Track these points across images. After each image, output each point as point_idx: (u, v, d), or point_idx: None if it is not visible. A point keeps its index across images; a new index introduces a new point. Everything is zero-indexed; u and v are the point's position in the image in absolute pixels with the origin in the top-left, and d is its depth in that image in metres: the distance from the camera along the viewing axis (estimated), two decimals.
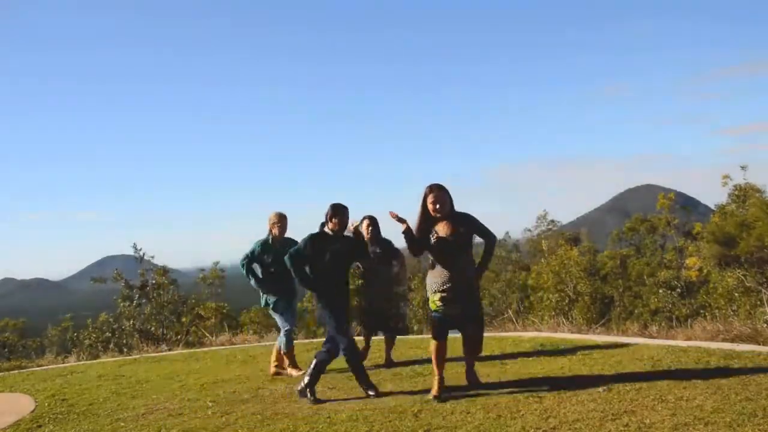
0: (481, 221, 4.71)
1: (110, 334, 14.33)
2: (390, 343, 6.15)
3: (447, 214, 4.52)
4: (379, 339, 6.55)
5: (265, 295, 6.11)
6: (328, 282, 4.97)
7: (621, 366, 5.14)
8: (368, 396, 4.80)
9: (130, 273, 15.50)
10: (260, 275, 6.04)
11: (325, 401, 4.78)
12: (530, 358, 5.84)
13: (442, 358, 4.61)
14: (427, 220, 4.54)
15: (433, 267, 4.59)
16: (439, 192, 4.51)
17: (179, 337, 13.29)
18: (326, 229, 5.05)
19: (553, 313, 20.98)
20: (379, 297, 5.99)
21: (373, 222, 5.98)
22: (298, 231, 6.29)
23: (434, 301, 4.53)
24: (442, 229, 4.50)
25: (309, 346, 7.61)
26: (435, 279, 4.54)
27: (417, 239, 4.55)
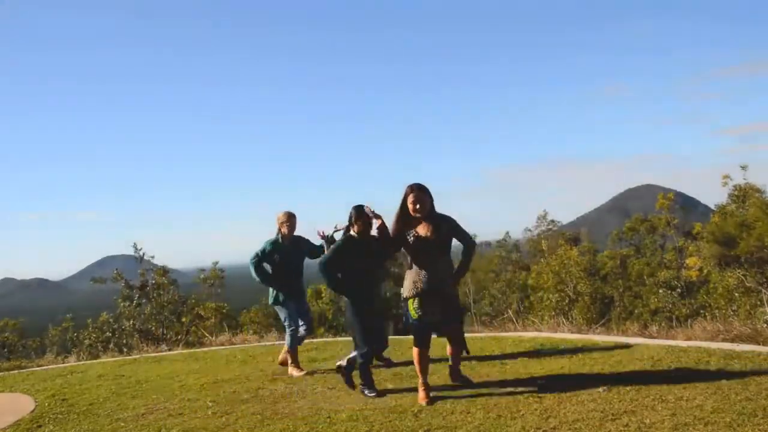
0: (460, 225, 4.63)
1: (110, 334, 14.35)
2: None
3: (427, 214, 4.46)
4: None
5: (274, 292, 6.12)
6: (357, 286, 4.96)
7: (621, 366, 5.14)
8: (365, 395, 4.80)
9: (130, 273, 15.51)
10: (270, 274, 6.06)
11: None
12: (530, 358, 5.83)
13: (425, 366, 4.54)
14: (405, 219, 4.47)
15: (410, 267, 4.51)
16: (419, 192, 4.44)
17: (179, 337, 13.29)
18: (352, 233, 5.05)
19: (553, 313, 20.98)
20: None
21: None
22: (299, 231, 6.32)
23: (413, 307, 4.44)
24: (421, 229, 4.44)
25: (309, 346, 7.60)
26: (412, 280, 4.46)
27: (391, 238, 4.51)
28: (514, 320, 10.50)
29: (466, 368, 5.58)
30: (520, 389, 4.59)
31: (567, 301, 26.29)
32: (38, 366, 9.17)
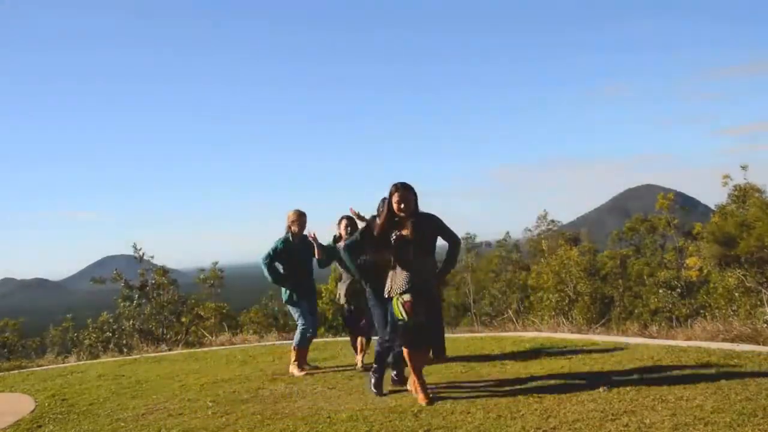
0: (446, 224, 4.60)
1: (110, 334, 14.35)
2: (365, 345, 6.09)
3: (411, 213, 4.43)
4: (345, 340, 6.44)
5: (287, 291, 6.14)
6: (378, 274, 4.98)
7: (621, 366, 5.14)
8: (369, 388, 4.87)
9: (130, 273, 15.52)
10: (282, 273, 6.08)
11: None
12: (530, 358, 5.84)
13: (419, 366, 4.49)
14: (391, 219, 4.44)
15: (393, 268, 4.48)
16: (404, 191, 4.41)
17: (179, 337, 13.30)
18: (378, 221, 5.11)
19: (553, 313, 20.98)
20: (357, 298, 5.89)
21: (350, 222, 5.96)
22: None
23: (398, 308, 4.39)
24: (404, 229, 4.41)
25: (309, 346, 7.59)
26: (395, 280, 4.44)
27: (377, 238, 4.47)
28: (514, 320, 10.50)
29: (467, 368, 5.58)
30: (520, 389, 4.59)
31: (567, 301, 26.29)
32: (38, 366, 9.17)
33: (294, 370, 6.02)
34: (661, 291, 27.57)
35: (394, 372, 5.08)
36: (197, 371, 6.77)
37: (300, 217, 6.09)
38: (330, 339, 9.89)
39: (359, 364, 5.97)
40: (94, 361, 9.36)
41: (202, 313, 18.24)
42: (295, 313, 6.17)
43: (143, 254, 15.02)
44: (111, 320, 15.39)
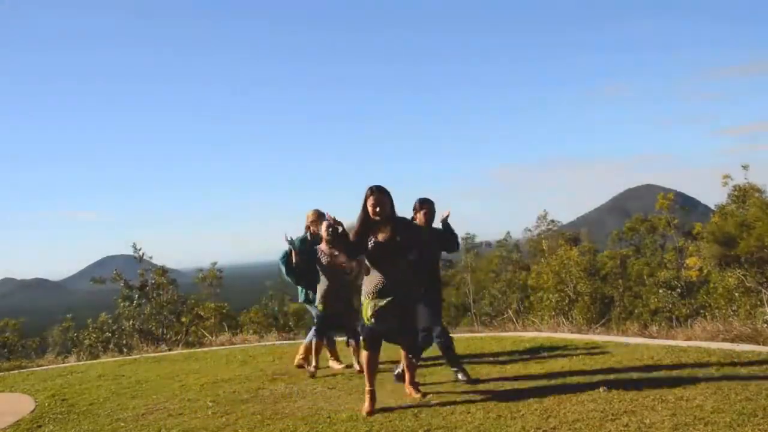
0: (419, 229, 4.58)
1: (110, 334, 14.35)
2: (356, 348, 5.99)
3: (387, 217, 4.36)
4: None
5: (304, 290, 6.15)
6: (420, 274, 4.99)
7: (621, 366, 5.14)
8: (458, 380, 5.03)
9: (129, 273, 15.51)
10: (300, 272, 6.08)
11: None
12: (530, 358, 5.84)
13: (373, 371, 4.42)
14: (366, 223, 4.38)
15: (368, 273, 4.43)
16: (379, 194, 4.34)
17: (179, 337, 13.30)
18: (415, 224, 5.14)
19: (553, 313, 20.97)
20: (338, 299, 5.82)
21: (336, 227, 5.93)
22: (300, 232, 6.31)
23: (366, 312, 4.35)
24: (379, 233, 4.34)
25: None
26: (369, 285, 4.38)
27: (352, 242, 4.39)
28: (514, 320, 10.51)
29: (467, 368, 5.58)
30: (520, 389, 4.59)
31: (567, 301, 26.29)
32: (38, 366, 9.17)
33: (334, 364, 6.09)
34: (661, 291, 27.57)
35: (398, 371, 5.13)
36: (197, 371, 6.77)
37: (319, 217, 6.09)
38: None
39: (336, 366, 5.95)
40: (94, 361, 9.36)
41: (202, 313, 18.24)
42: (313, 311, 6.17)
43: (143, 254, 15.02)
44: (111, 320, 15.40)
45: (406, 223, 4.48)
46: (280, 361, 6.94)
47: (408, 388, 4.69)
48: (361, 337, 4.64)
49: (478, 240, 45.29)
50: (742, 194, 22.91)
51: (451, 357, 5.18)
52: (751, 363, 4.84)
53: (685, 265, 30.29)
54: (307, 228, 6.16)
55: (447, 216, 5.15)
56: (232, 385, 5.76)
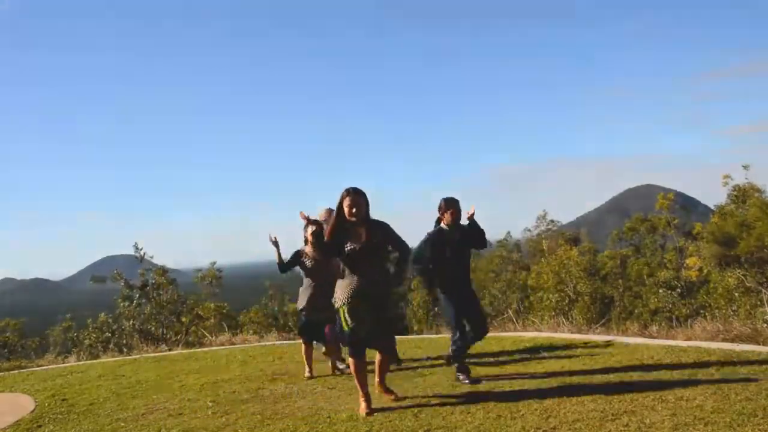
0: (395, 231, 4.55)
1: (110, 334, 14.36)
2: (332, 352, 5.97)
3: (362, 218, 4.34)
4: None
5: None
6: (450, 277, 5.06)
7: (621, 366, 5.14)
8: (459, 380, 5.01)
9: (129, 273, 15.53)
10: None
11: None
12: (530, 358, 5.84)
13: (363, 375, 4.39)
14: (341, 224, 4.35)
15: (343, 275, 4.41)
16: (355, 195, 4.33)
17: (179, 337, 13.31)
18: (442, 225, 5.16)
19: (553, 313, 20.98)
20: (324, 303, 5.62)
21: (319, 229, 5.86)
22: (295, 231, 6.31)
23: (344, 317, 4.33)
24: (354, 235, 4.32)
25: None
26: (344, 288, 4.36)
27: (327, 243, 4.38)
28: (514, 320, 10.51)
29: (471, 370, 5.58)
30: (520, 389, 4.59)
31: (567, 301, 26.30)
32: (38, 366, 9.17)
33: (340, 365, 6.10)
34: (661, 291, 27.57)
35: (457, 368, 5.14)
36: (197, 371, 6.78)
37: (330, 214, 6.08)
38: None
39: (308, 373, 5.86)
40: (94, 361, 9.36)
41: (202, 313, 18.25)
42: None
43: (144, 254, 15.03)
44: (111, 320, 15.40)
45: (380, 225, 4.45)
46: (280, 361, 6.95)
47: (378, 390, 4.62)
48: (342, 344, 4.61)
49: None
50: (742, 194, 22.91)
51: (461, 361, 5.15)
52: (751, 363, 4.84)
53: (685, 265, 30.30)
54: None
55: (473, 213, 5.17)
56: (232, 385, 5.76)
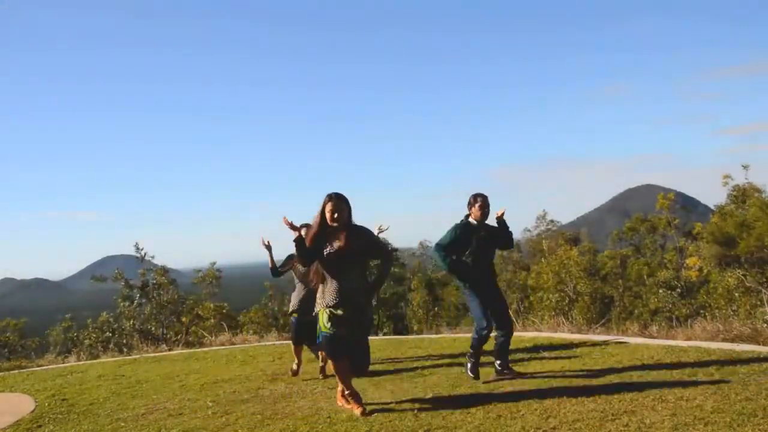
0: (378, 237, 4.50)
1: (110, 334, 14.37)
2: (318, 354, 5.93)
3: (344, 224, 4.32)
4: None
5: None
6: (475, 269, 5.08)
7: (621, 366, 5.14)
8: (466, 372, 5.07)
9: (129, 273, 15.54)
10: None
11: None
12: (530, 358, 5.84)
13: (347, 376, 4.37)
14: (323, 229, 4.34)
15: (323, 281, 4.38)
16: (337, 201, 4.31)
17: (179, 337, 13.32)
18: (470, 219, 5.18)
19: (553, 313, 20.97)
20: (307, 310, 5.66)
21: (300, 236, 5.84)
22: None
23: (323, 320, 4.30)
24: (336, 240, 4.29)
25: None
26: (325, 293, 4.33)
27: (308, 249, 4.34)
28: (514, 320, 10.51)
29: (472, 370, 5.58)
30: (520, 389, 4.59)
31: (567, 301, 26.28)
32: (38, 366, 9.17)
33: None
34: (661, 291, 27.55)
35: (498, 362, 5.14)
36: (197, 371, 6.78)
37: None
38: None
39: (295, 366, 5.93)
40: (94, 361, 9.37)
41: (202, 313, 18.25)
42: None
43: (145, 254, 15.04)
44: (111, 320, 15.41)
45: (363, 231, 4.43)
46: (280, 361, 6.95)
47: (340, 401, 4.55)
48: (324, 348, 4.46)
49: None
50: (742, 194, 22.90)
51: (477, 351, 5.16)
52: (751, 363, 4.84)
53: (685, 265, 30.29)
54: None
55: (503, 213, 5.21)
56: (232, 385, 5.76)
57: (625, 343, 6.27)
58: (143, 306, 14.83)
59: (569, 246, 31.86)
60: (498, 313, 5.14)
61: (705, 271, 26.69)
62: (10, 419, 5.15)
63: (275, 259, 5.97)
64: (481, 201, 5.15)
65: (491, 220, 5.25)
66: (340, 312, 4.24)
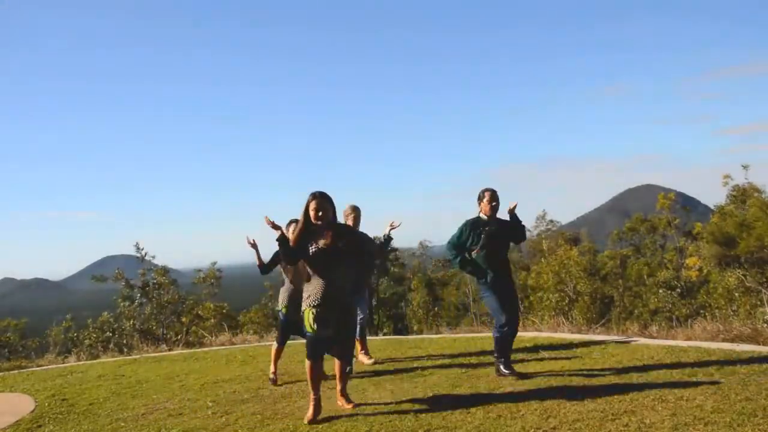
0: (361, 234, 4.52)
1: (110, 334, 14.38)
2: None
3: (328, 223, 4.33)
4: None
5: None
6: (488, 265, 5.08)
7: (621, 366, 5.14)
8: (500, 374, 5.02)
9: (130, 273, 15.54)
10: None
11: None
12: (530, 359, 5.84)
13: (317, 379, 4.36)
14: (307, 228, 4.34)
15: (308, 279, 4.38)
16: (321, 199, 4.31)
17: (179, 337, 13.32)
18: (480, 215, 5.19)
19: (553, 313, 20.97)
20: (295, 308, 5.53)
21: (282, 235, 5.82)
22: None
23: (308, 320, 4.29)
24: (321, 239, 4.31)
25: None
26: (310, 292, 4.33)
27: (292, 247, 4.35)
28: None
29: (467, 368, 5.58)
30: (520, 389, 4.59)
31: (567, 301, 26.28)
32: (38, 366, 9.17)
33: (364, 359, 6.17)
34: (661, 291, 27.55)
35: (500, 359, 5.14)
36: (197, 371, 6.78)
37: (355, 211, 6.12)
38: None
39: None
40: (94, 361, 9.36)
41: (202, 313, 18.26)
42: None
43: (145, 254, 15.05)
44: (111, 320, 15.41)
45: (347, 229, 4.46)
46: (279, 362, 6.94)
47: (340, 400, 4.55)
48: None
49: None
50: (742, 194, 22.90)
51: (503, 353, 5.17)
52: (751, 363, 4.84)
53: (685, 265, 30.29)
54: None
55: (514, 207, 5.19)
56: (232, 385, 5.76)
57: (625, 343, 6.27)
58: (143, 306, 14.84)
59: (569, 246, 31.86)
60: (508, 308, 5.16)
61: (705, 271, 26.69)
62: (10, 419, 5.15)
63: (262, 257, 5.94)
64: (488, 195, 5.16)
65: (503, 214, 5.23)
66: (324, 311, 4.24)
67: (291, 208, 6.09)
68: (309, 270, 4.37)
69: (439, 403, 4.39)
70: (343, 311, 4.34)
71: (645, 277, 30.82)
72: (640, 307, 27.95)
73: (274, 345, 5.98)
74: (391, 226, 5.79)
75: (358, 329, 6.07)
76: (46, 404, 5.64)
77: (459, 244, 5.19)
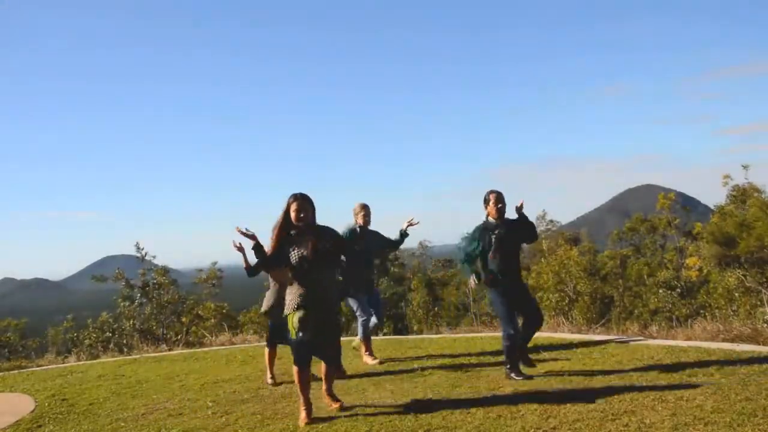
0: (342, 236, 4.50)
1: (110, 334, 14.37)
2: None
3: (309, 225, 4.32)
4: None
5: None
6: (501, 269, 5.02)
7: (621, 366, 5.14)
8: (510, 378, 4.96)
9: (129, 273, 15.53)
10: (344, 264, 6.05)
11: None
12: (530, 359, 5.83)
13: (306, 384, 4.32)
14: (287, 229, 4.31)
15: (291, 283, 4.36)
16: (302, 201, 4.30)
17: (179, 337, 13.31)
18: (488, 218, 5.12)
19: (553, 313, 20.97)
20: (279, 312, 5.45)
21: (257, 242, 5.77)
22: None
23: (293, 324, 4.26)
24: (302, 242, 4.28)
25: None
26: (293, 296, 4.31)
27: (269, 256, 4.33)
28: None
29: (467, 368, 5.58)
30: (520, 389, 4.59)
31: (567, 301, 26.27)
32: (38, 366, 9.17)
33: (368, 360, 6.14)
34: (661, 291, 27.53)
35: (507, 366, 5.10)
36: (197, 371, 6.78)
37: (365, 209, 6.12)
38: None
39: (270, 379, 5.77)
40: (94, 361, 9.36)
41: (202, 313, 18.25)
42: (353, 305, 6.11)
43: (145, 254, 15.04)
44: (111, 320, 15.41)
45: (328, 231, 4.43)
46: (280, 361, 6.92)
47: (326, 399, 4.54)
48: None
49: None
50: (742, 194, 22.89)
51: (513, 360, 5.11)
52: (751, 363, 4.84)
53: (685, 265, 30.28)
54: (355, 221, 6.15)
55: (521, 205, 5.10)
56: (232, 385, 5.76)
57: (625, 343, 6.27)
58: (143, 306, 14.83)
59: (569, 246, 31.86)
60: (527, 311, 5.16)
61: (705, 271, 26.68)
62: (10, 419, 5.15)
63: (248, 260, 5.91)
64: (494, 198, 5.07)
65: (511, 214, 5.14)
66: (308, 315, 4.21)
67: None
68: (292, 273, 4.33)
69: (439, 403, 4.39)
70: (327, 313, 4.32)
71: (645, 277, 30.81)
72: (640, 307, 27.95)
73: (266, 349, 5.92)
74: (409, 223, 5.75)
75: (361, 330, 6.08)
76: (46, 404, 5.64)
77: (471, 251, 5.07)
